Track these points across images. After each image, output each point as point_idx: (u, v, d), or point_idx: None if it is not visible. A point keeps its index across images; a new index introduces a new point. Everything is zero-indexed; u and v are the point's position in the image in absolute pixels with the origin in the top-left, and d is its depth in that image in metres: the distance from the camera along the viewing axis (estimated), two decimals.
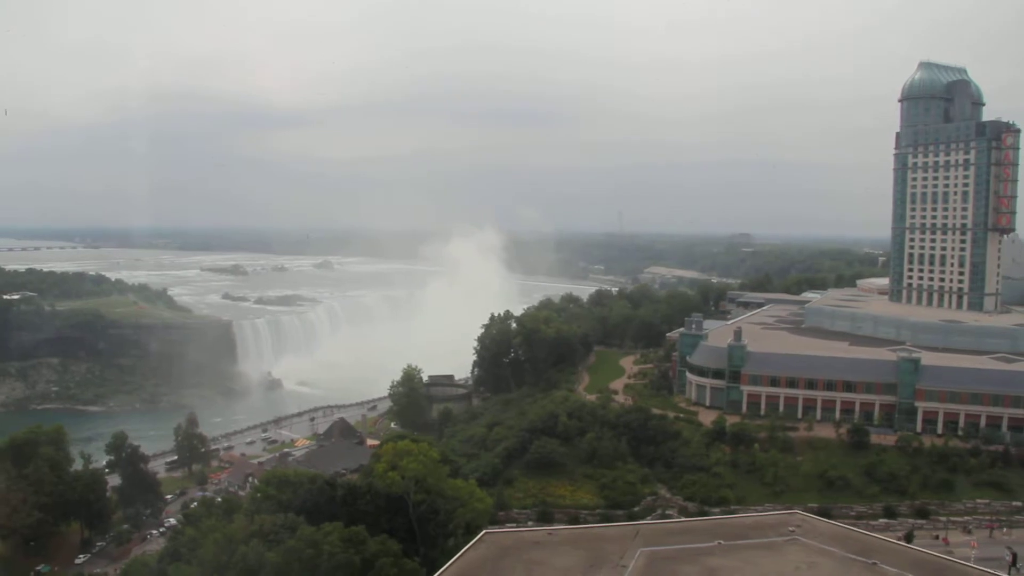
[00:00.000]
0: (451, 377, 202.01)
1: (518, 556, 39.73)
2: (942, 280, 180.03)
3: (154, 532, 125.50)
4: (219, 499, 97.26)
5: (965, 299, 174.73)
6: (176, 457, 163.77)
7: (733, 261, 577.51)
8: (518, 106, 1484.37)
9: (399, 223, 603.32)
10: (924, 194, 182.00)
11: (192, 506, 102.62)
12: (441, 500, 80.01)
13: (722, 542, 40.95)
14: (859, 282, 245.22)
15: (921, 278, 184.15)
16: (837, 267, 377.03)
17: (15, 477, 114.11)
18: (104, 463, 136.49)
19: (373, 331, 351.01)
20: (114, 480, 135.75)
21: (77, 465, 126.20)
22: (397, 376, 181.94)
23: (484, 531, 45.01)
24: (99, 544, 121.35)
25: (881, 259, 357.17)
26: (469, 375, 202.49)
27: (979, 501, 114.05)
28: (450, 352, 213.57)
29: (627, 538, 42.63)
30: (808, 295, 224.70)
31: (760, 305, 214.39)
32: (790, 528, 42.88)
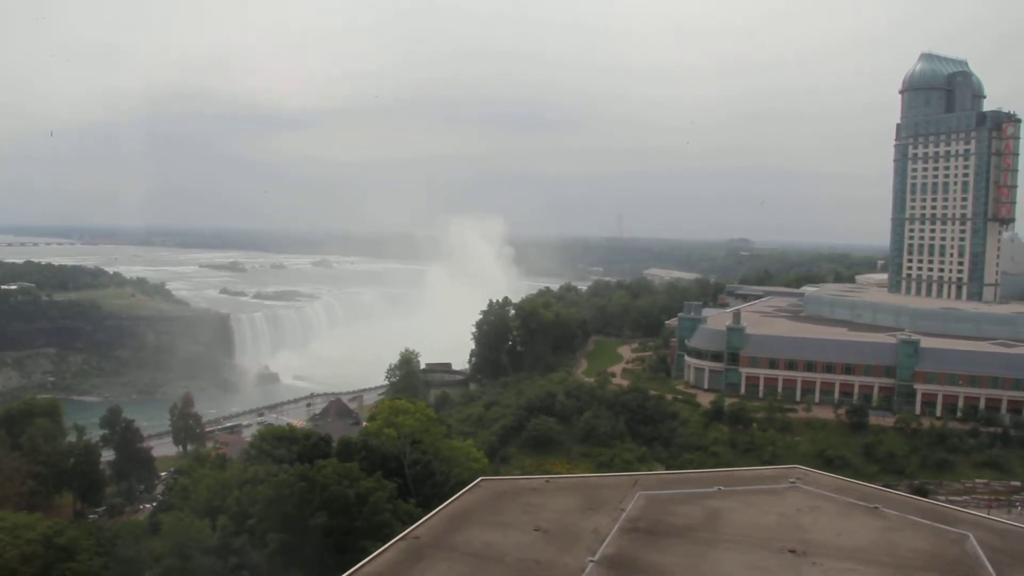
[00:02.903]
0: (448, 365, 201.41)
1: (515, 499, 38.93)
2: (941, 270, 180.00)
3: (147, 506, 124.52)
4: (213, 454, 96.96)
5: (964, 289, 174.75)
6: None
7: (732, 264, 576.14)
8: (521, 111, 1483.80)
9: (400, 225, 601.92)
10: (924, 184, 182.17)
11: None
12: (437, 462, 79.27)
13: (722, 488, 40.33)
14: (858, 277, 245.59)
15: (920, 268, 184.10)
16: (836, 269, 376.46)
17: (9, 446, 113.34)
18: (98, 437, 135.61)
19: (371, 327, 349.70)
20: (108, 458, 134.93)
21: (71, 439, 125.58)
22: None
23: (480, 478, 44.31)
24: (91, 516, 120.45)
25: (880, 263, 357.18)
26: (467, 365, 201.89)
27: (978, 481, 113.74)
28: (449, 348, 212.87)
29: (625, 486, 42.03)
30: (807, 289, 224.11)
31: (759, 297, 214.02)
32: (791, 480, 42.39)
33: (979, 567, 23.36)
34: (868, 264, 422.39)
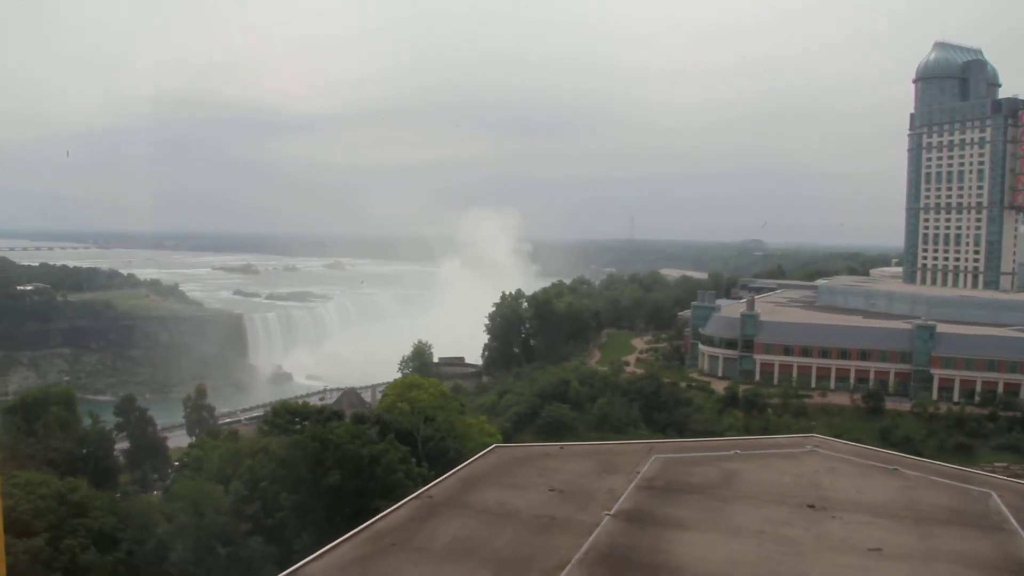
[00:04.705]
0: (462, 359, 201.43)
1: (529, 464, 38.61)
2: (957, 260, 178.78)
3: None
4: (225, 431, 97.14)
5: (981, 278, 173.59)
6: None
7: (745, 264, 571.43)
8: (531, 116, 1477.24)
9: (411, 228, 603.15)
10: (939, 173, 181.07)
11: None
12: (451, 439, 78.83)
13: (739, 452, 39.94)
14: (872, 271, 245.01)
15: (936, 258, 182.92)
16: (849, 266, 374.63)
17: (25, 433, 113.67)
18: (112, 426, 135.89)
19: (384, 326, 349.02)
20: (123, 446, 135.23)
21: (86, 426, 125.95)
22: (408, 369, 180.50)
23: (493, 445, 44.05)
24: None
25: (894, 260, 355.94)
26: (480, 360, 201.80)
27: (997, 464, 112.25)
28: (462, 345, 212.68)
29: (640, 452, 41.69)
30: (820, 281, 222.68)
31: (772, 290, 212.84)
32: (808, 447, 42.00)
33: (1003, 521, 22.96)
34: (882, 261, 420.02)
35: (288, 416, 77.75)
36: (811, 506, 25.05)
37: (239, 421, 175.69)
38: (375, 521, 22.52)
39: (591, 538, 20.46)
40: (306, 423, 75.92)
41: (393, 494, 50.35)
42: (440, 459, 77.68)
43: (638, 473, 34.95)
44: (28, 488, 53.47)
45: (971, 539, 21.28)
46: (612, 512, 23.06)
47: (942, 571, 19.80)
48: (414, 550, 20.45)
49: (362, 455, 56.00)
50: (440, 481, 33.14)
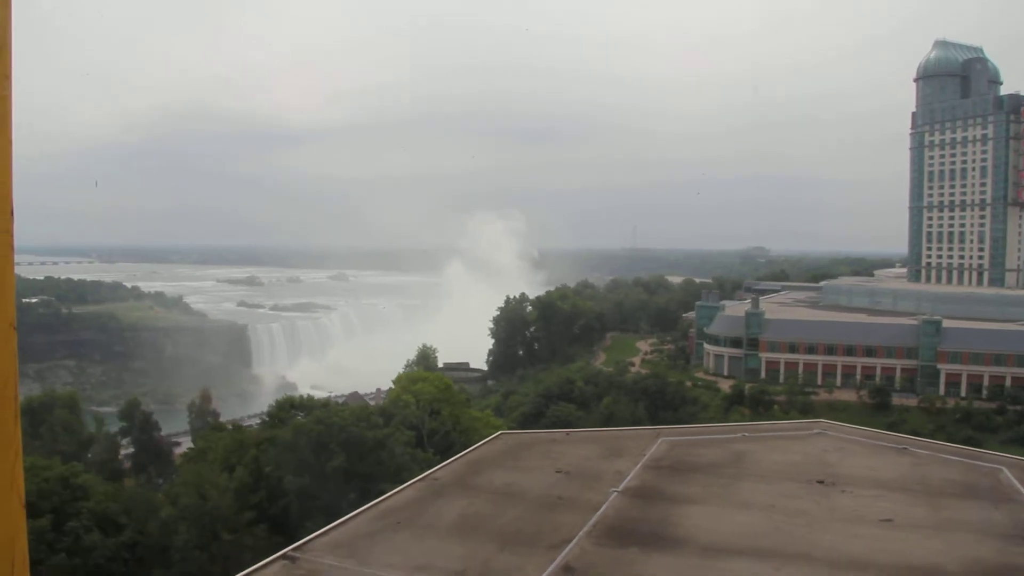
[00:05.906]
0: (467, 364, 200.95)
1: (535, 448, 38.54)
2: (961, 257, 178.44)
3: None
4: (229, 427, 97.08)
5: (986, 275, 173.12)
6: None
7: (748, 270, 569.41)
8: (533, 125, 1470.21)
9: (415, 239, 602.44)
10: (942, 172, 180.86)
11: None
12: (456, 433, 78.50)
13: (746, 435, 39.73)
14: (876, 272, 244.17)
15: (940, 256, 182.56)
16: (854, 270, 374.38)
17: (30, 437, 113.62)
18: (117, 430, 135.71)
19: (388, 336, 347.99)
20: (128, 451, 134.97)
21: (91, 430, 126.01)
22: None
23: (500, 432, 43.88)
24: None
25: (898, 264, 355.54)
26: (485, 364, 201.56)
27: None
28: (468, 352, 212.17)
29: (647, 436, 41.56)
30: (824, 282, 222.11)
31: (776, 292, 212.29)
32: (816, 430, 41.85)
33: (1015, 493, 22.72)
34: (886, 266, 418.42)
35: (292, 411, 77.70)
36: (820, 482, 24.91)
37: (249, 427, 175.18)
38: (381, 500, 22.47)
39: (598, 513, 20.28)
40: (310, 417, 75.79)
41: (398, 478, 49.95)
42: (446, 453, 77.30)
43: (645, 455, 34.81)
44: (32, 471, 53.63)
45: (982, 510, 21.08)
46: (619, 489, 22.92)
47: (953, 539, 19.57)
48: (420, 527, 20.30)
49: (367, 437, 55.87)
50: (447, 464, 33.04)
